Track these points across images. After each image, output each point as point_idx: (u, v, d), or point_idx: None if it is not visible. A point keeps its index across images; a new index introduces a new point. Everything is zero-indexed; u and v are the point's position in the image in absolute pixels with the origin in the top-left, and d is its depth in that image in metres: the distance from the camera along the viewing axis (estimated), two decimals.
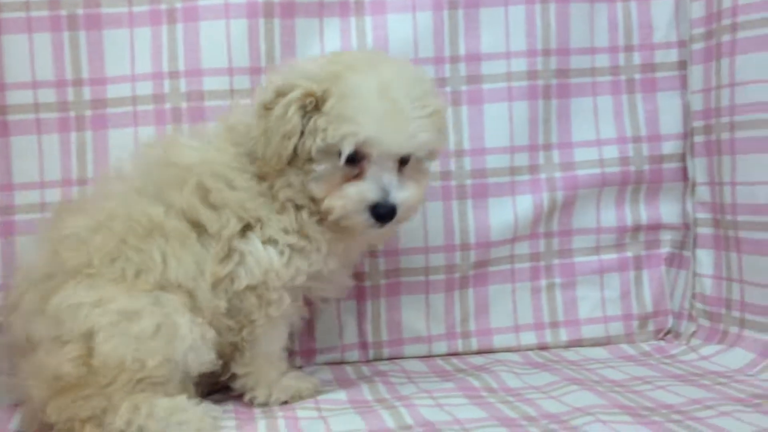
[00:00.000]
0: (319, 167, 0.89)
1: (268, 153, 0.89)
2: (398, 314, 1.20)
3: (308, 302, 1.02)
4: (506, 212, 1.19)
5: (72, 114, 1.10)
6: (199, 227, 0.92)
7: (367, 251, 1.14)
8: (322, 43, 1.14)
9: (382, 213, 0.88)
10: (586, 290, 1.23)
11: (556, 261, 1.23)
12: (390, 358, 1.19)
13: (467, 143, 1.18)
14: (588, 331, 1.23)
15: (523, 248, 1.22)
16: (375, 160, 0.89)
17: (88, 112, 1.11)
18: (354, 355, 1.19)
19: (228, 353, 0.95)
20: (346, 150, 0.87)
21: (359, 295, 1.19)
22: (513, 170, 1.19)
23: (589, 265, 1.23)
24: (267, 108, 0.89)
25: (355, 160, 0.89)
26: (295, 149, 0.89)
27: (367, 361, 1.18)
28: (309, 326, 1.18)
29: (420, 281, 1.19)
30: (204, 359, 0.88)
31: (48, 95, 1.10)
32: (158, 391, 0.85)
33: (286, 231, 0.92)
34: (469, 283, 1.21)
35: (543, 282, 1.23)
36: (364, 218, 0.89)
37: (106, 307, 0.84)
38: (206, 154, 0.94)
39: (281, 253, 0.92)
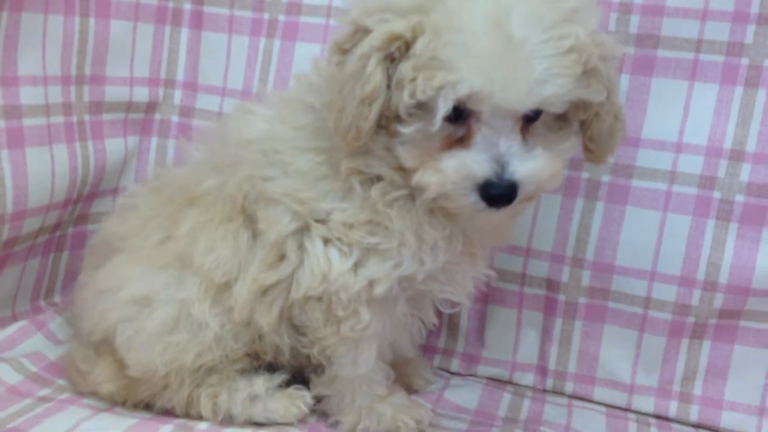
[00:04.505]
0: (409, 129, 0.84)
1: (342, 124, 0.84)
2: (596, 346, 1.22)
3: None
4: None
5: (266, 16, 1.30)
6: (251, 219, 0.96)
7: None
8: None
9: (496, 195, 0.82)
10: None
11: None
12: (572, 396, 1.24)
13: (753, 144, 1.11)
14: None
15: None
16: (486, 118, 0.82)
17: (282, 18, 1.29)
18: (527, 378, 1.25)
19: (306, 364, 1.03)
20: (442, 109, 0.80)
21: (548, 308, 1.23)
22: None
23: None
24: (342, 50, 0.86)
25: (460, 116, 0.83)
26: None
27: (543, 391, 1.25)
28: (479, 326, 1.27)
29: (635, 313, 1.19)
30: (230, 348, 0.98)
31: None
32: (229, 371, 0.99)
33: (349, 225, 0.90)
34: (706, 333, 1.17)
35: None
36: (471, 200, 0.83)
37: (118, 295, 0.98)
38: (271, 126, 0.96)
39: (344, 254, 0.91)
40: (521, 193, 0.83)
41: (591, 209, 1.19)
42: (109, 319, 0.99)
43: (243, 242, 0.97)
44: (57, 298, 1.31)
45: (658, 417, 1.21)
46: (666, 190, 1.15)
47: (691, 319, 1.17)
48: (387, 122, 0.86)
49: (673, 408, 1.21)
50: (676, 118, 1.14)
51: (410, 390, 1.16)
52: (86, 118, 1.23)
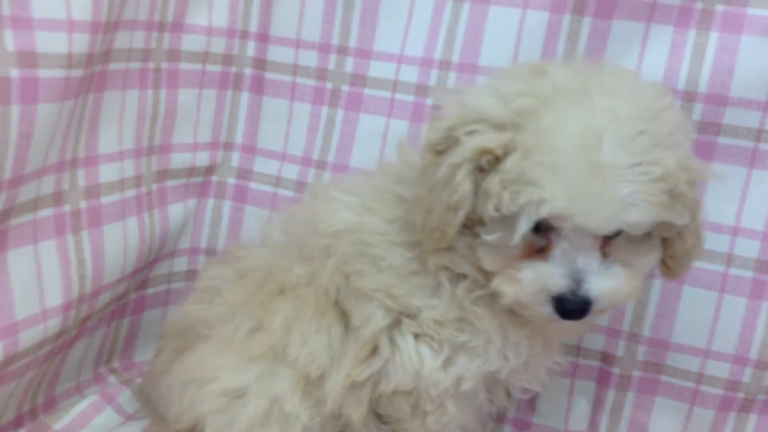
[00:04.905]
0: (491, 236, 0.86)
1: (428, 224, 0.88)
2: (646, 416, 1.26)
3: None
4: None
5: (329, 86, 1.32)
6: (343, 313, 0.98)
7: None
8: (641, 56, 1.17)
9: (569, 310, 0.85)
10: None
11: None
12: None
13: None
14: None
15: None
16: (567, 233, 0.84)
17: (346, 88, 1.31)
18: None
19: None
20: (523, 227, 0.82)
21: (601, 379, 1.27)
22: None
23: None
24: (436, 151, 0.87)
25: (541, 228, 0.85)
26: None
27: None
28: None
29: (687, 387, 1.23)
30: None
31: (309, 58, 1.31)
32: None
33: (439, 323, 0.93)
34: (753, 408, 1.22)
35: None
36: (546, 311, 0.86)
37: (209, 387, 0.98)
38: (359, 217, 0.97)
39: (435, 351, 0.94)
40: (595, 309, 0.85)
41: (648, 286, 1.22)
42: (199, 410, 1.00)
43: (336, 336, 0.99)
44: (116, 363, 1.32)
45: None
46: (723, 271, 1.19)
47: (740, 395, 1.22)
48: (472, 224, 0.89)
49: None
50: (734, 203, 1.18)
51: None
52: (153, 187, 1.24)
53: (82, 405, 1.19)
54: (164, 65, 1.20)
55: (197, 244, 1.39)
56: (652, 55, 1.17)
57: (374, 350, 0.97)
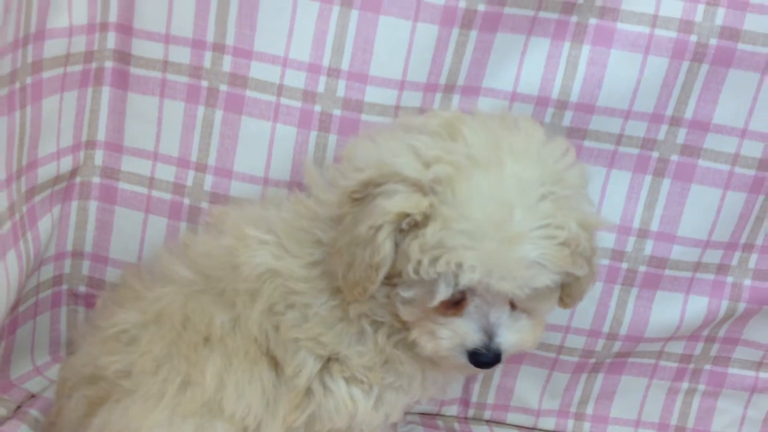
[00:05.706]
0: (409, 293, 0.91)
1: (349, 279, 0.91)
2: (512, 382, 1.41)
3: None
4: (673, 311, 1.35)
5: (204, 84, 1.25)
6: (274, 360, 0.99)
7: None
8: (520, 67, 1.22)
9: (483, 361, 0.93)
10: (729, 404, 1.44)
11: (707, 367, 1.42)
12: (490, 421, 1.44)
13: (656, 224, 1.31)
14: None
15: (675, 347, 1.40)
16: (481, 292, 0.90)
17: (224, 88, 1.24)
18: (452, 410, 1.43)
19: None
20: (442, 294, 0.87)
21: None
22: (698, 266, 1.33)
23: (742, 379, 1.43)
24: (353, 199, 0.91)
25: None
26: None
27: (466, 419, 1.44)
28: None
29: (549, 357, 1.39)
30: None
31: (181, 55, 1.23)
32: None
33: (368, 368, 0.99)
34: (602, 368, 1.41)
35: (684, 385, 1.43)
36: (461, 362, 0.94)
37: None
38: (279, 261, 0.98)
39: (366, 393, 1.00)
40: (504, 358, 0.95)
41: None
42: None
43: (269, 383, 1.00)
44: None
45: None
46: None
47: (592, 360, 1.40)
48: (390, 276, 0.93)
49: (570, 425, 1.45)
50: (595, 199, 1.30)
51: None
52: (24, 209, 1.14)
53: None
54: (29, 80, 1.07)
55: (63, 249, 1.30)
56: (530, 65, 1.23)
57: (307, 393, 1.01)
